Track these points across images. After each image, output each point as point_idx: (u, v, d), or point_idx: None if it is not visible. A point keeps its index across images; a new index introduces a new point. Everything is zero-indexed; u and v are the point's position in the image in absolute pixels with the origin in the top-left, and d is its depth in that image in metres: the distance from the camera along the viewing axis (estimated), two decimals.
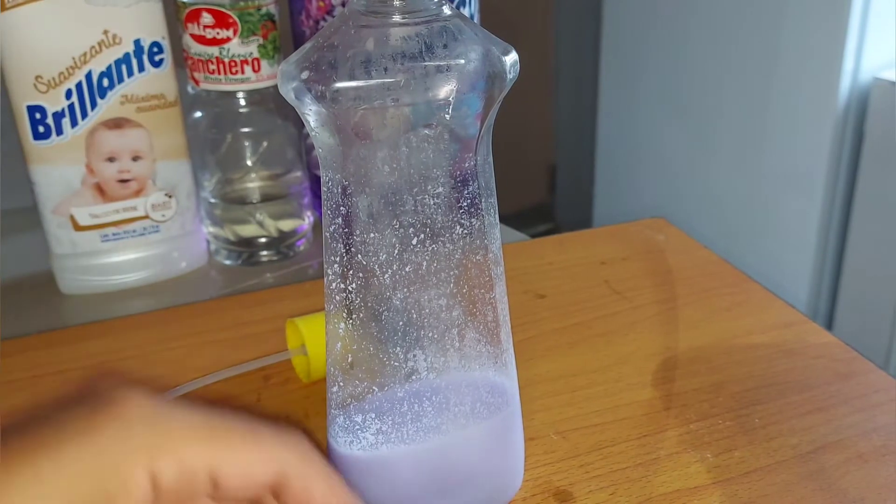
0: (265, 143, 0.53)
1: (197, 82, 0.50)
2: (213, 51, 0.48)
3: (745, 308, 0.47)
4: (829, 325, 1.14)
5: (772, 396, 0.39)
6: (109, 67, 0.46)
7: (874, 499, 0.33)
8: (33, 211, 0.49)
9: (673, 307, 0.47)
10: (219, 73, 0.49)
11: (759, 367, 0.41)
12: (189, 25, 0.48)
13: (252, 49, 0.49)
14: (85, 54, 0.45)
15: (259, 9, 0.49)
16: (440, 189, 0.27)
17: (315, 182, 0.57)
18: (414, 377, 0.29)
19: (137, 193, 0.49)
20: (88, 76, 0.45)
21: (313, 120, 0.26)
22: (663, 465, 0.35)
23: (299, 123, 0.53)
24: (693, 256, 0.53)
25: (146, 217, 0.49)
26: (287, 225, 0.54)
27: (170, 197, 0.50)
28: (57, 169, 0.46)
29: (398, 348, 0.28)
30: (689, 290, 0.49)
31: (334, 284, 0.28)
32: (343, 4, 0.50)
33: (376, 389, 0.29)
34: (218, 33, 0.48)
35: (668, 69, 1.43)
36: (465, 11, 0.53)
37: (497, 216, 0.30)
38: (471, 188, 0.28)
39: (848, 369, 0.41)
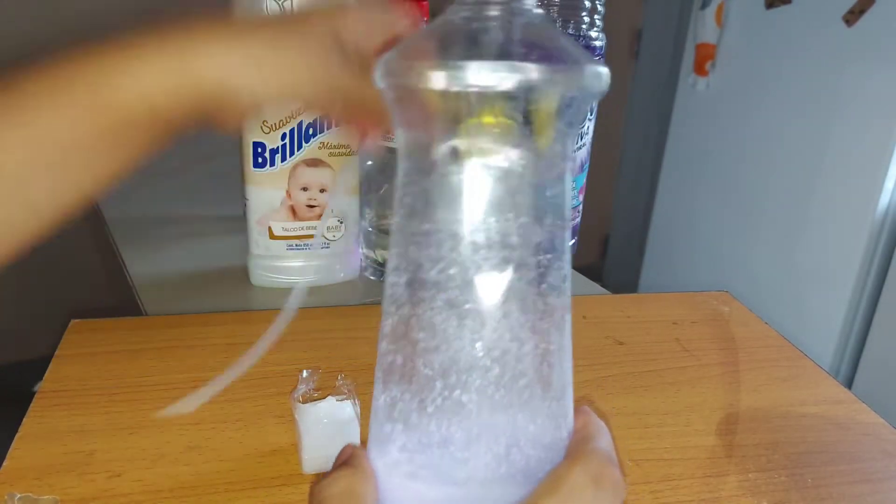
0: None
1: None
2: None
3: (800, 381, 0.43)
4: None
5: (823, 462, 0.36)
6: (315, 120, 0.47)
7: None
8: (242, 219, 0.51)
9: (735, 370, 0.44)
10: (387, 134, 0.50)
11: (812, 434, 0.38)
12: None
13: None
14: (300, 108, 0.47)
15: None
16: (523, 219, 0.20)
17: None
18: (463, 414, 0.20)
19: (319, 217, 0.50)
20: (300, 125, 0.47)
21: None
22: None
23: None
24: (754, 329, 0.49)
25: (321, 236, 0.51)
26: None
27: (341, 223, 0.51)
28: (265, 191, 0.48)
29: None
30: (749, 357, 0.46)
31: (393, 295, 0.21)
32: None
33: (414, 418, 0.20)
34: None
35: (724, 163, 1.38)
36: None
37: (569, 262, 0.22)
38: (551, 221, 0.21)
39: (895, 448, 0.37)
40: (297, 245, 0.50)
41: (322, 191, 0.50)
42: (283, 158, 0.48)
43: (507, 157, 0.19)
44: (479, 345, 0.19)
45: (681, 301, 0.54)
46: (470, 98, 0.18)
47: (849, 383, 1.10)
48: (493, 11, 0.20)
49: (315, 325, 0.45)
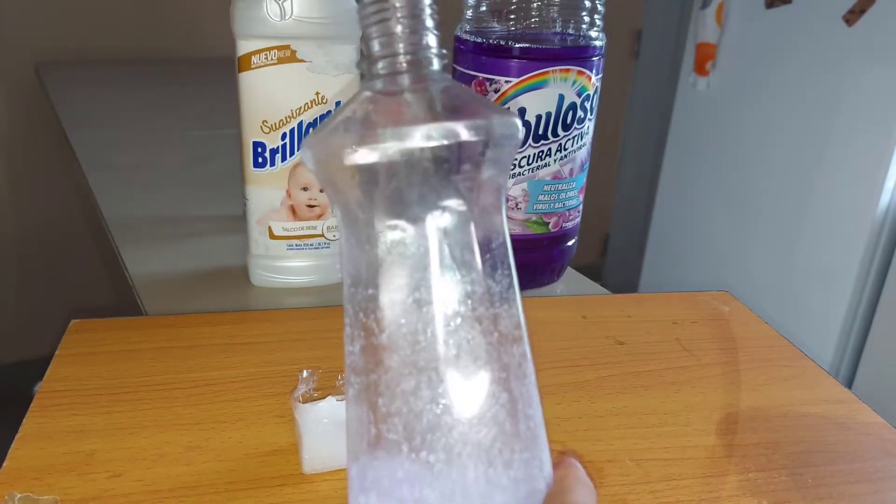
0: None
1: None
2: None
3: (800, 381, 0.43)
4: None
5: (823, 462, 0.36)
6: (315, 120, 0.48)
7: None
8: (242, 219, 0.51)
9: (736, 370, 0.44)
10: None
11: (812, 433, 0.38)
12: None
13: None
14: (300, 108, 0.47)
15: None
16: (468, 274, 0.20)
17: None
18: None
19: (319, 217, 0.50)
20: (300, 124, 0.47)
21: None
22: None
23: None
24: (754, 329, 0.50)
25: (322, 235, 0.51)
26: None
27: None
28: (265, 191, 0.48)
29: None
30: (749, 357, 0.46)
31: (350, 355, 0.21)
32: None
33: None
34: None
35: (725, 163, 1.38)
36: None
37: (521, 308, 0.21)
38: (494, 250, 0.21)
39: (895, 448, 0.37)
40: (297, 245, 0.51)
41: (322, 190, 0.50)
42: (284, 158, 0.48)
43: (444, 216, 0.20)
44: (439, 403, 0.19)
45: (681, 301, 0.54)
46: (399, 166, 0.19)
47: (849, 383, 1.10)
48: (405, 80, 0.20)
49: (315, 325, 0.45)
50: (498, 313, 0.20)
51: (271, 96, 0.46)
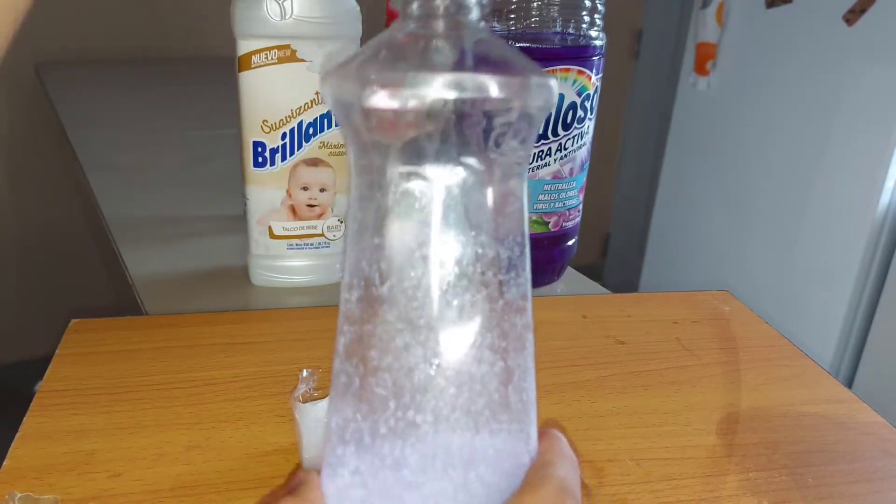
0: None
1: None
2: None
3: (801, 380, 0.43)
4: None
5: (823, 461, 0.36)
6: (315, 119, 0.48)
7: None
8: (242, 219, 0.51)
9: (736, 369, 0.44)
10: None
11: (813, 433, 0.38)
12: None
13: None
14: (300, 108, 0.47)
15: None
16: (479, 235, 0.19)
17: None
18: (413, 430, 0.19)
19: (319, 216, 0.50)
20: (300, 124, 0.47)
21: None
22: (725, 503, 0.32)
23: None
24: (755, 329, 0.50)
25: (322, 235, 0.51)
26: None
27: (341, 222, 0.51)
28: (265, 190, 0.48)
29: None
30: (750, 357, 0.46)
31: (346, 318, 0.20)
32: None
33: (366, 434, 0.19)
34: None
35: (725, 163, 1.38)
36: None
37: (529, 279, 0.21)
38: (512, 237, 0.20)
39: (895, 448, 0.37)
40: (297, 245, 0.51)
41: (322, 190, 0.50)
42: (284, 158, 0.48)
43: (461, 172, 0.19)
44: (433, 363, 0.18)
45: (681, 300, 0.54)
46: (421, 114, 0.18)
47: (849, 383, 1.10)
48: (439, 26, 0.19)
49: (315, 325, 0.45)
50: (505, 280, 0.19)
51: (271, 96, 0.46)
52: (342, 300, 0.20)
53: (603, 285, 0.59)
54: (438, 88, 0.17)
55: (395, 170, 0.19)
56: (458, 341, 0.19)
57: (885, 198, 1.05)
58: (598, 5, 0.49)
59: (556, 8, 0.48)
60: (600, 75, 0.50)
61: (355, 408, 0.19)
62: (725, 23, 1.33)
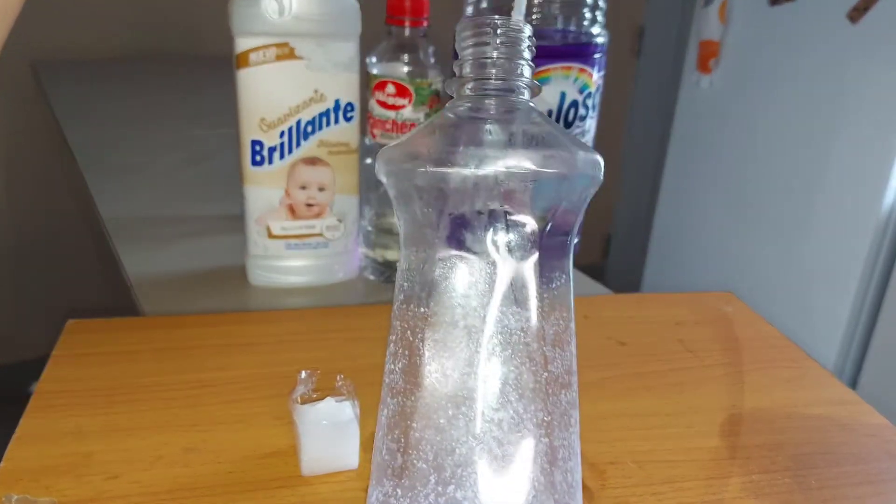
0: None
1: (374, 136, 0.52)
2: (391, 114, 0.50)
3: (805, 382, 0.43)
4: None
5: (827, 463, 0.36)
6: (314, 118, 0.48)
7: None
8: (240, 218, 0.51)
9: (739, 371, 0.44)
10: (392, 132, 0.50)
11: (816, 435, 0.38)
12: (376, 93, 0.50)
13: (420, 116, 0.50)
14: (298, 106, 0.47)
15: (430, 85, 0.50)
16: (525, 311, 0.19)
17: None
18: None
19: (318, 216, 0.50)
20: (298, 122, 0.47)
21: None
22: None
23: None
24: (758, 330, 0.49)
25: (321, 235, 0.51)
26: None
27: (340, 222, 0.51)
28: (264, 190, 0.48)
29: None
30: (753, 358, 0.46)
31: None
32: None
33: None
34: (396, 101, 0.49)
35: (728, 162, 1.38)
36: None
37: (574, 354, 0.21)
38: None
39: None
40: (295, 245, 0.50)
41: (321, 189, 0.50)
42: (282, 157, 0.48)
43: (506, 250, 0.19)
44: (475, 438, 0.18)
45: (684, 301, 0.54)
46: (471, 192, 0.18)
47: (853, 384, 1.10)
48: (490, 107, 0.20)
49: (314, 326, 0.45)
50: (550, 355, 0.20)
51: (269, 94, 0.46)
52: (386, 371, 0.20)
53: (605, 286, 0.59)
54: (489, 166, 0.18)
55: (445, 243, 0.19)
56: (501, 415, 0.19)
57: (889, 197, 1.05)
58: (600, 2, 0.49)
59: (557, 5, 0.48)
60: (602, 73, 0.50)
61: (395, 482, 0.19)
62: (728, 20, 1.33)
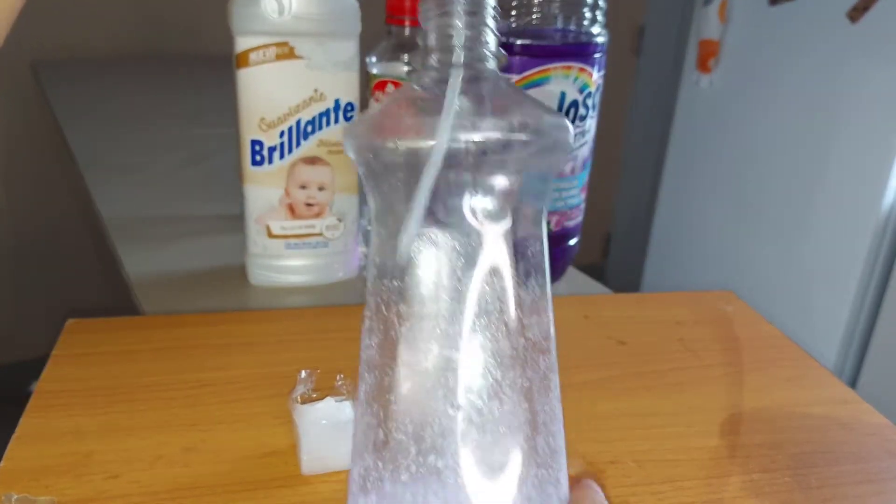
0: None
1: None
2: None
3: (805, 381, 0.43)
4: None
5: (827, 462, 0.36)
6: (314, 117, 0.48)
7: None
8: (239, 218, 0.51)
9: (739, 370, 0.44)
10: None
11: (816, 434, 0.38)
12: (376, 92, 0.50)
13: None
14: (298, 105, 0.47)
15: None
16: (500, 278, 0.19)
17: None
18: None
19: (317, 216, 0.50)
20: (298, 122, 0.47)
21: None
22: None
23: None
24: (758, 329, 0.49)
25: (320, 234, 0.51)
26: None
27: (340, 221, 0.51)
28: (263, 189, 0.48)
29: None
30: (753, 357, 0.46)
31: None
32: None
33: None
34: None
35: (728, 161, 1.38)
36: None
37: (552, 320, 0.21)
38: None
39: None
40: (295, 244, 0.51)
41: (321, 189, 0.50)
42: (282, 156, 0.48)
43: (481, 216, 0.19)
44: (454, 405, 0.18)
45: (684, 301, 0.54)
46: (443, 163, 0.18)
47: (853, 383, 1.10)
48: (456, 75, 0.19)
49: (313, 325, 0.45)
50: (527, 322, 0.20)
51: (269, 93, 0.46)
52: (363, 346, 0.20)
53: (605, 285, 0.59)
54: (456, 136, 0.18)
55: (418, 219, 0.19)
56: (480, 384, 0.19)
57: (889, 197, 1.05)
58: (600, 2, 0.49)
59: (557, 4, 0.48)
60: (602, 72, 0.50)
61: (376, 454, 0.19)
62: (728, 19, 1.33)
